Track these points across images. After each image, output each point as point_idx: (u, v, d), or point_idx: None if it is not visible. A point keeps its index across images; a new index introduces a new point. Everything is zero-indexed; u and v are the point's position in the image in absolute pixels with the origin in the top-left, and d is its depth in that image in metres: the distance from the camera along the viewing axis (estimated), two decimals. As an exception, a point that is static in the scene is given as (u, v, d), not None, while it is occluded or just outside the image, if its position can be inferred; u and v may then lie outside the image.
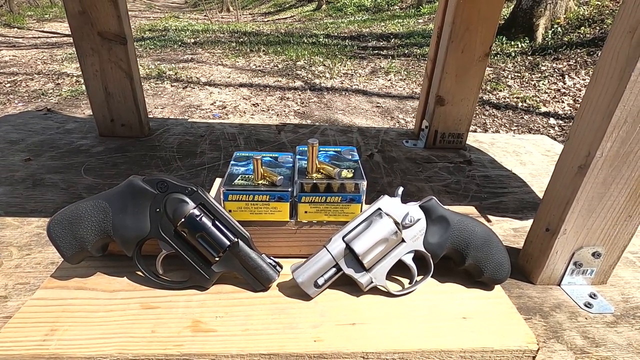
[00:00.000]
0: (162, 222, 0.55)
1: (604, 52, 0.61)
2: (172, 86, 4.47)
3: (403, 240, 0.58)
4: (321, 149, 0.68)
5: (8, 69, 4.74)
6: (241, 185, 0.58)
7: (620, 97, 0.57)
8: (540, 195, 1.12)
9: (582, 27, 5.14)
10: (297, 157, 0.66)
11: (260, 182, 0.59)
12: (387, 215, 0.58)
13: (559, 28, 5.37)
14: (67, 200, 0.95)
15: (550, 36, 5.30)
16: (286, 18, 10.40)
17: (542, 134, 3.34)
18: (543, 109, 3.88)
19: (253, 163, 0.58)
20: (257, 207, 0.59)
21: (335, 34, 7.41)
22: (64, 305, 0.53)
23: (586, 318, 0.67)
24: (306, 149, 0.60)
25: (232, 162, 0.65)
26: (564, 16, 5.46)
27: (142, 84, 4.41)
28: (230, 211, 0.59)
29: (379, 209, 0.58)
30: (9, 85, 4.19)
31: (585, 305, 0.69)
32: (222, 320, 0.52)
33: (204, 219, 0.55)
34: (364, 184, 0.59)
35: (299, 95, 4.44)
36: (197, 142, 1.32)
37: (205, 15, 11.13)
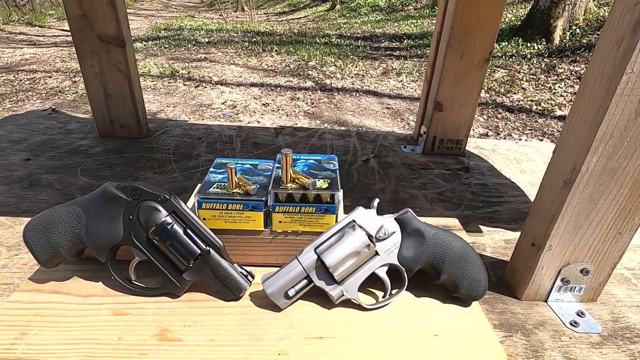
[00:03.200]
0: (135, 229, 0.55)
1: (592, 62, 0.59)
2: (184, 85, 4.53)
3: (377, 253, 0.57)
4: (302, 157, 0.67)
5: (28, 67, 4.87)
6: (215, 193, 0.58)
7: (606, 109, 0.55)
8: (538, 205, 1.09)
9: (602, 29, 5.00)
10: (277, 165, 0.66)
11: (235, 190, 0.59)
12: (361, 227, 0.57)
13: (578, 29, 5.24)
14: (60, 201, 0.97)
15: (568, 38, 5.17)
16: (300, 18, 10.41)
17: (556, 138, 3.27)
18: (558, 113, 3.80)
19: (227, 172, 0.58)
20: (231, 216, 0.58)
21: (348, 34, 7.39)
22: (37, 309, 0.54)
23: (570, 337, 0.65)
24: (280, 154, 0.59)
25: (211, 169, 0.65)
26: (583, 17, 5.33)
27: (155, 82, 4.48)
28: (204, 219, 0.59)
29: (353, 220, 0.58)
30: (28, 82, 4.30)
31: (571, 324, 0.67)
32: (189, 330, 0.52)
33: (175, 227, 0.55)
34: (339, 195, 0.59)
35: (310, 95, 4.45)
36: (194, 144, 1.33)
37: (220, 15, 11.22)
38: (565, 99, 4.06)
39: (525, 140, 3.20)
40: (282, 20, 10.21)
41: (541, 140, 3.17)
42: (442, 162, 1.31)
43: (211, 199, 0.57)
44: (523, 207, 1.07)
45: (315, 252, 0.56)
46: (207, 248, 0.56)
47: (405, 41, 6.66)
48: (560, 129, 3.52)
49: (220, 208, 0.58)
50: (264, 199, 0.58)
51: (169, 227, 0.54)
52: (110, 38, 1.16)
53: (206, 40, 6.95)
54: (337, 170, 0.64)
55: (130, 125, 1.30)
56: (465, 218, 1.00)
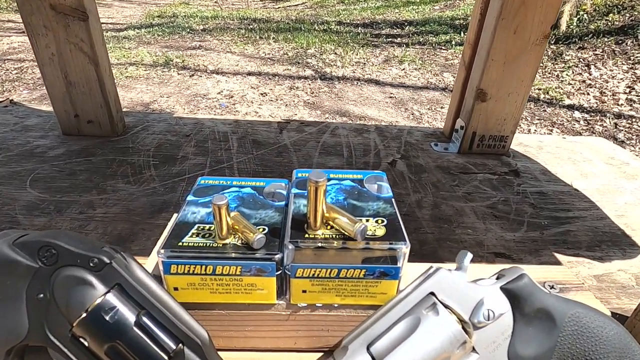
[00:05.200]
0: (50, 317, 0.31)
1: None
2: (178, 74, 4.27)
3: (474, 350, 0.33)
4: (331, 175, 0.43)
5: (16, 56, 4.60)
6: (194, 246, 0.34)
7: None
8: (617, 220, 0.86)
9: (611, 14, 4.78)
10: (294, 189, 0.41)
11: (227, 241, 0.35)
12: (447, 307, 0.33)
13: (585, 15, 5.00)
14: (-5, 225, 0.72)
15: (575, 24, 4.94)
16: (297, 5, 10.08)
17: (566, 128, 3.06)
18: (567, 102, 3.59)
19: (214, 212, 0.33)
20: (222, 284, 0.35)
21: (348, 21, 7.11)
22: None
23: None
24: (307, 182, 0.35)
25: (188, 199, 0.40)
26: (591, 2, 5.08)
27: (149, 71, 4.22)
28: (176, 289, 0.35)
29: (432, 294, 0.34)
30: (15, 72, 4.03)
31: None
32: None
33: (122, 315, 0.31)
34: (404, 249, 0.35)
35: (309, 84, 4.22)
36: (180, 143, 1.08)
37: (215, 2, 10.83)
38: (573, 87, 3.86)
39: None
40: (279, 7, 9.87)
41: (550, 131, 2.95)
42: (484, 164, 1.07)
43: (186, 257, 0.34)
44: (601, 225, 0.84)
45: (369, 353, 0.32)
46: (180, 346, 0.32)
47: (407, 28, 6.42)
48: (570, 119, 3.32)
49: (203, 272, 0.34)
50: (277, 255, 0.34)
51: (108, 316, 0.30)
52: (68, 9, 0.90)
53: (201, 27, 6.66)
54: (393, 200, 0.40)
55: (100, 120, 1.05)
56: (533, 243, 0.77)
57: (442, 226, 0.80)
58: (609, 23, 4.59)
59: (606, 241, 0.79)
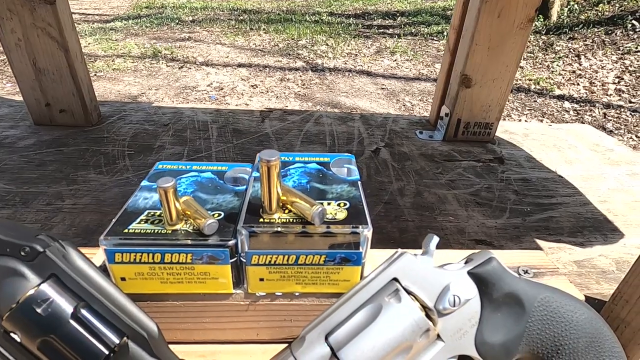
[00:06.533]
0: (-20, 311, 0.29)
1: None
2: (167, 66, 4.20)
3: (439, 338, 0.31)
4: (297, 158, 0.41)
5: (-1, 48, 4.48)
6: (141, 233, 0.32)
7: None
8: (600, 206, 0.85)
9: (601, 4, 4.80)
10: (255, 173, 0.39)
11: (178, 227, 0.33)
12: (410, 293, 0.31)
13: (576, 5, 5.02)
14: (-44, 218, 0.69)
15: (566, 14, 4.95)
16: (288, -5, 9.96)
17: (556, 118, 3.07)
18: (557, 92, 3.60)
19: (160, 196, 0.31)
20: (173, 273, 0.32)
21: (339, 11, 7.05)
22: None
23: None
24: (259, 162, 0.32)
25: (141, 184, 0.38)
26: (582, -8, 5.10)
27: (136, 63, 4.13)
28: (123, 279, 0.33)
29: (395, 279, 0.32)
30: None
31: None
32: None
33: (57, 307, 0.29)
34: (366, 233, 0.33)
35: (300, 76, 4.18)
36: (157, 132, 1.05)
37: (204, -8, 10.64)
38: (563, 77, 3.88)
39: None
40: (269, -2, 9.74)
41: (541, 120, 2.96)
42: (469, 152, 1.05)
43: (132, 244, 0.31)
44: (584, 211, 0.83)
45: (328, 343, 0.30)
46: (124, 340, 0.30)
47: (399, 19, 6.38)
48: (560, 109, 3.33)
49: (151, 261, 0.31)
50: (230, 241, 0.32)
51: (40, 308, 0.28)
52: (34, -9, 0.86)
53: (190, 18, 6.55)
54: (360, 183, 0.38)
55: (73, 109, 1.02)
56: (514, 229, 0.76)
57: (424, 214, 0.79)
58: (599, 13, 4.60)
59: (588, 227, 0.78)
